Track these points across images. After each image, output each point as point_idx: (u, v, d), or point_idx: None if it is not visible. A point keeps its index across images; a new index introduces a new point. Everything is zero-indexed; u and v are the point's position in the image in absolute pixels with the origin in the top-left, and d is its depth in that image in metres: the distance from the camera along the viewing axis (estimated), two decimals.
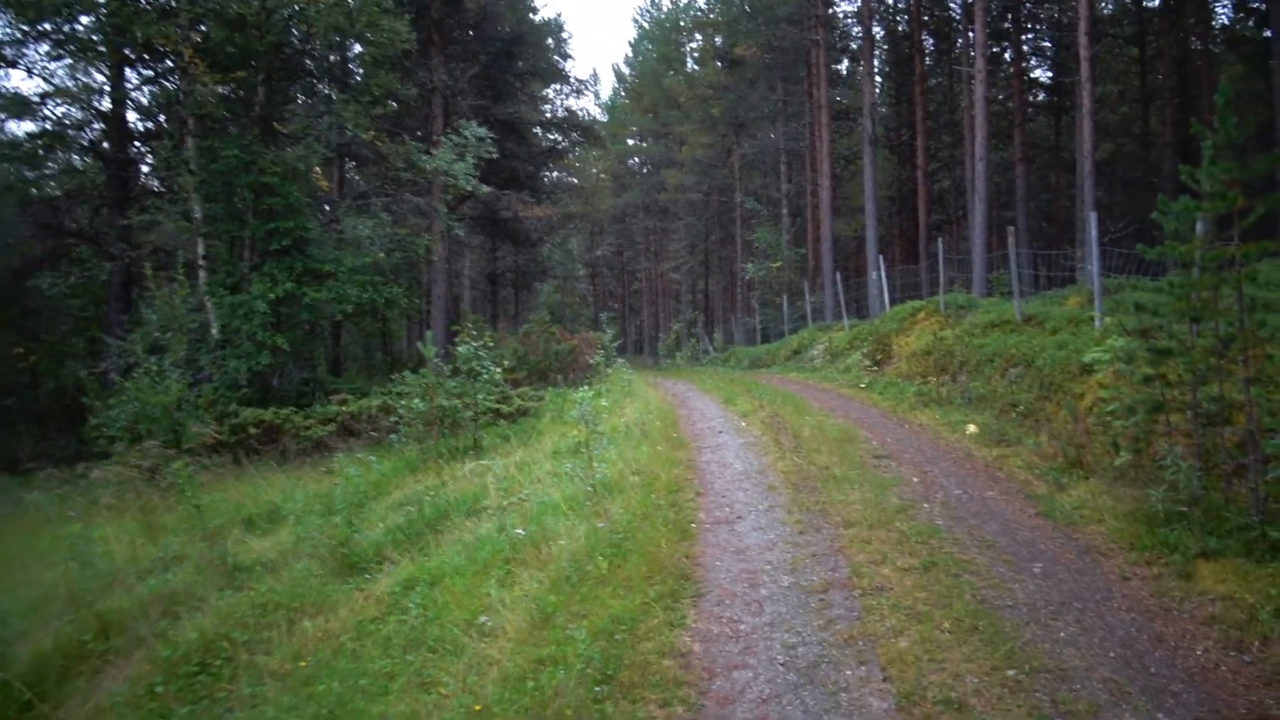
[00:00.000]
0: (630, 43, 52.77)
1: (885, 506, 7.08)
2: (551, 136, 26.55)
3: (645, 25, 52.14)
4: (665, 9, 50.33)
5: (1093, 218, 11.67)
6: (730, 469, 8.88)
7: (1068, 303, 15.56)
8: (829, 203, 25.49)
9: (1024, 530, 6.50)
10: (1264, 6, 25.17)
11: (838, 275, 23.03)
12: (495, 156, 16.95)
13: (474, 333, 14.68)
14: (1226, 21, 31.59)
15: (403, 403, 10.71)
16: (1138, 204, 27.10)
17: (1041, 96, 33.36)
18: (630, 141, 54.61)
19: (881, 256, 20.67)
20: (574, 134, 28.65)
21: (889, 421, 11.15)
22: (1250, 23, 29.21)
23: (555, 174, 43.07)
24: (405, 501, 9.04)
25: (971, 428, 10.09)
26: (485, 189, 16.59)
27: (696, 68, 42.54)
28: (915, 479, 8.02)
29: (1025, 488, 7.62)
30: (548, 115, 26.82)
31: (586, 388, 13.87)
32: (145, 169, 19.67)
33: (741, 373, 23.64)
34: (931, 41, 33.59)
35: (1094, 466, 7.86)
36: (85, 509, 9.70)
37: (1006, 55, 31.18)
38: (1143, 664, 4.34)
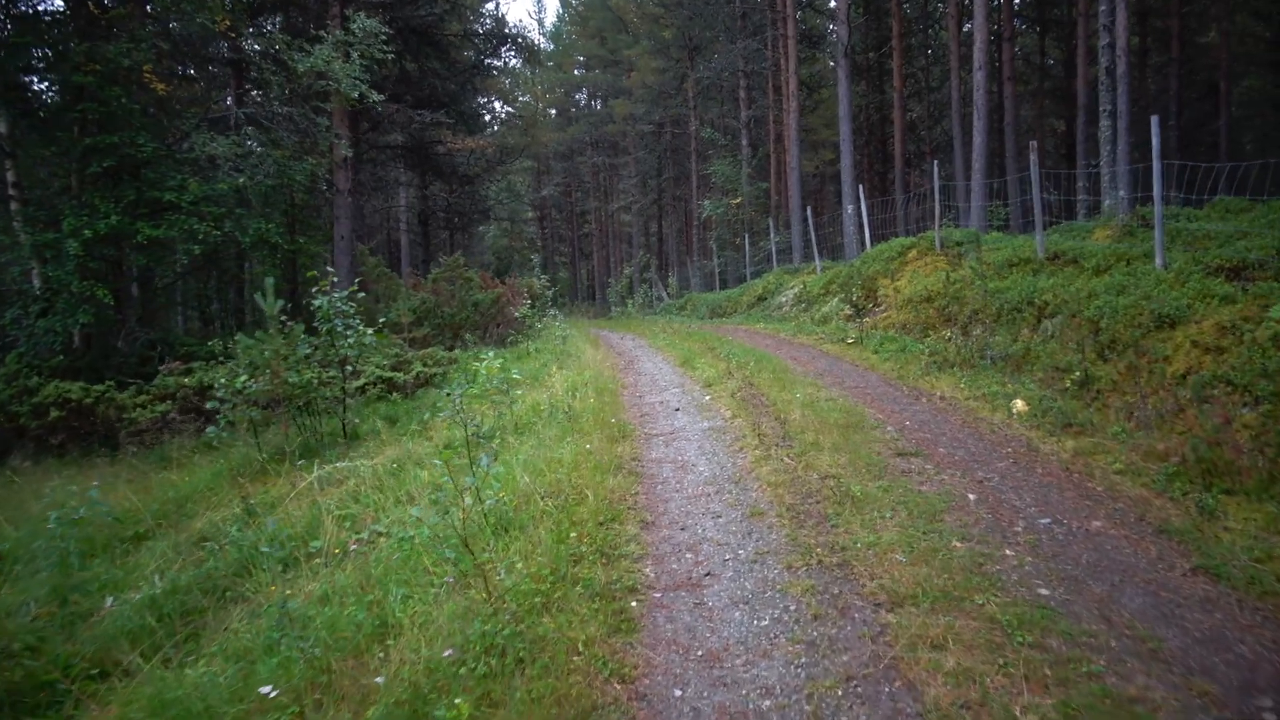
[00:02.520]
0: None
1: (945, 557, 4.34)
2: (477, 51, 22.96)
3: None
4: None
5: (1155, 121, 8.89)
6: (692, 476, 6.07)
7: (1094, 236, 12.93)
8: (796, 127, 22.48)
9: (1191, 607, 3.80)
10: None
11: (808, 210, 20.18)
12: (390, 57, 13.63)
13: (373, 279, 11.70)
14: None
15: (222, 380, 7.68)
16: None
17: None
18: (578, 72, 50.67)
19: (862, 186, 17.80)
20: (505, 49, 25.10)
21: (900, 394, 8.41)
22: None
23: (493, 102, 39.38)
24: (207, 535, 6.09)
25: (1019, 404, 7.38)
26: (376, 96, 13.26)
27: None
28: (971, 496, 5.28)
29: (1147, 513, 4.91)
30: (474, 26, 23.20)
31: (503, 349, 10.94)
32: None
33: (700, 323, 20.82)
34: None
35: (1243, 473, 5.19)
36: None
37: None
38: None
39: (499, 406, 7.51)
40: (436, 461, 7.03)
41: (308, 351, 7.81)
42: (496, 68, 28.50)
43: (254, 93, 14.52)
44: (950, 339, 10.50)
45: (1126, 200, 11.95)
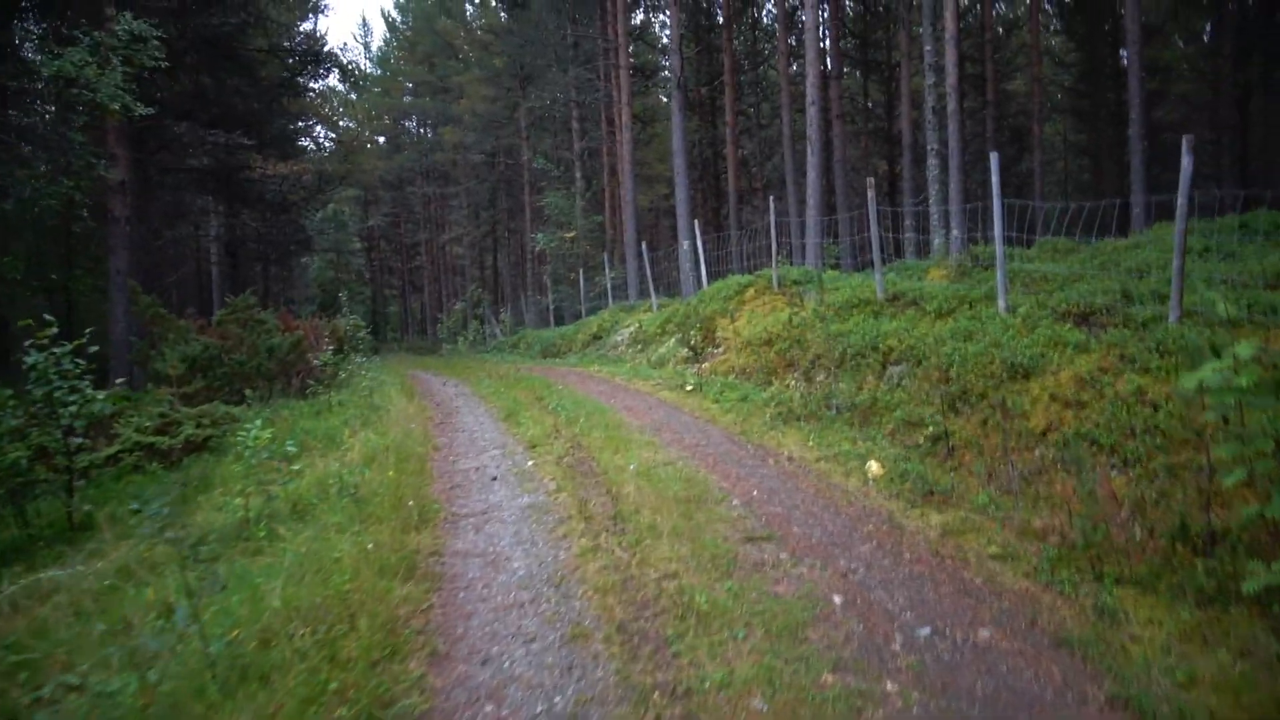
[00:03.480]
0: None
1: (816, 700, 3.40)
2: (287, 70, 20.92)
3: None
4: None
5: (995, 158, 8.60)
6: (503, 577, 4.91)
7: (929, 275, 12.77)
8: (630, 160, 21.86)
9: None
10: None
11: (643, 245, 19.50)
12: (162, 64, 11.73)
13: (147, 320, 9.96)
14: None
15: None
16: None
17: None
18: (406, 99, 48.65)
19: (697, 221, 17.25)
20: (323, 69, 23.13)
21: (745, 453, 7.55)
22: None
23: (313, 126, 36.97)
24: None
25: (874, 466, 6.66)
26: (142, 109, 11.32)
27: (475, 10, 37.77)
28: (837, 598, 4.39)
29: (1038, 615, 4.16)
30: (281, 42, 21.11)
31: (305, 401, 9.61)
32: None
33: (532, 363, 19.64)
34: None
35: (1132, 555, 4.56)
36: None
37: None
38: None
39: (273, 484, 6.09)
40: (169, 579, 5.60)
41: (15, 423, 6.10)
42: (312, 89, 26.44)
43: None
44: (793, 387, 9.84)
45: (960, 239, 11.81)
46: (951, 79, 12.27)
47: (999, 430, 6.75)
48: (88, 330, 6.82)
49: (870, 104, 31.38)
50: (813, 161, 15.31)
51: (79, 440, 6.13)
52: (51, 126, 10.89)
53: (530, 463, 7.50)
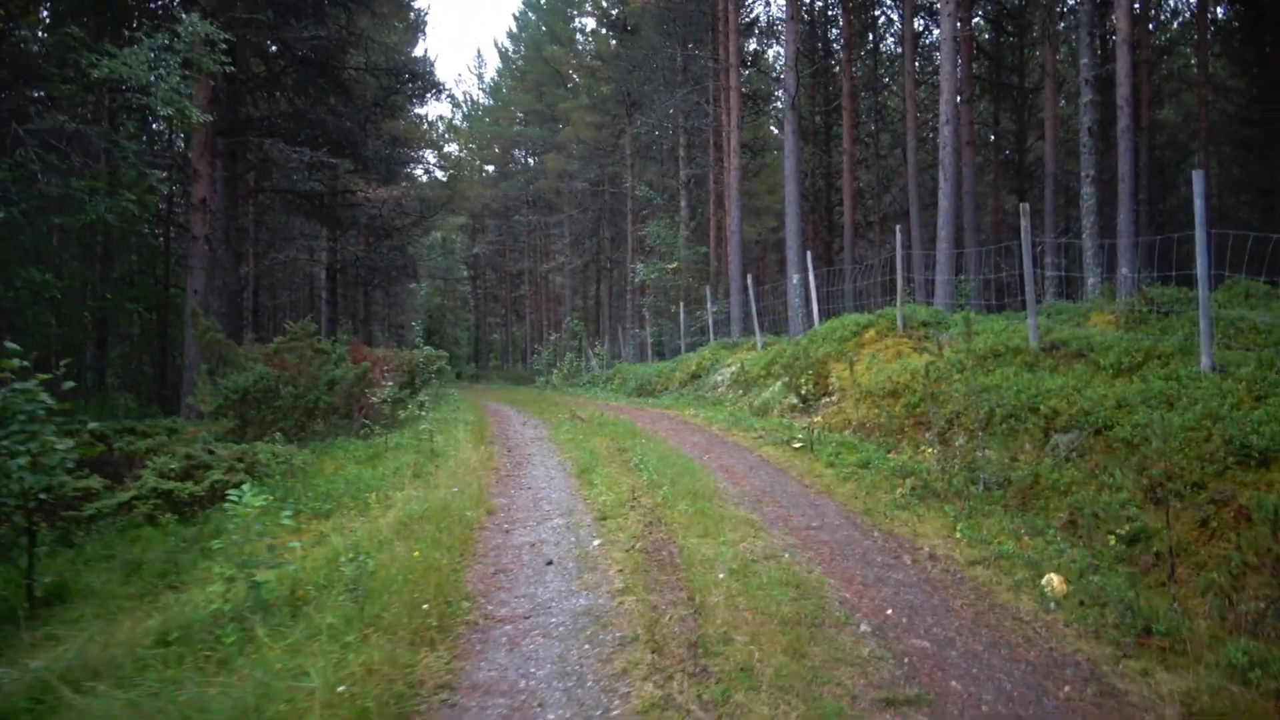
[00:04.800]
0: (515, 14, 46.81)
1: None
2: (382, 89, 20.29)
3: None
4: None
5: (1199, 178, 6.74)
6: None
7: (1090, 322, 10.77)
8: (738, 187, 20.37)
9: None
10: None
11: (748, 279, 17.95)
12: (228, 69, 10.96)
13: (204, 345, 9.16)
14: None
15: None
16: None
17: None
18: (516, 127, 48.61)
19: (811, 254, 15.60)
20: (429, 94, 22.56)
21: (870, 543, 5.87)
22: None
23: (421, 153, 36.98)
24: None
25: (1054, 581, 4.90)
26: (200, 117, 10.45)
27: (584, 37, 37.23)
28: None
29: None
30: (377, 59, 20.51)
31: (365, 441, 8.52)
32: None
33: (624, 401, 18.27)
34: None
35: None
36: None
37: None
38: None
39: (260, 567, 4.78)
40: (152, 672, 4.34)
41: None
42: (414, 114, 26.07)
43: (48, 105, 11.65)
44: (929, 452, 8.08)
45: (1130, 279, 9.83)
46: (1124, 90, 10.32)
47: (1232, 537, 4.92)
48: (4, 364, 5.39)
49: (997, 132, 29.04)
50: (945, 189, 13.47)
51: (41, 498, 4.97)
52: (101, 134, 10.21)
53: (596, 541, 6.01)
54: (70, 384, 5.33)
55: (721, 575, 5.03)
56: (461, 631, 4.47)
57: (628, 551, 5.63)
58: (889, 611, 4.59)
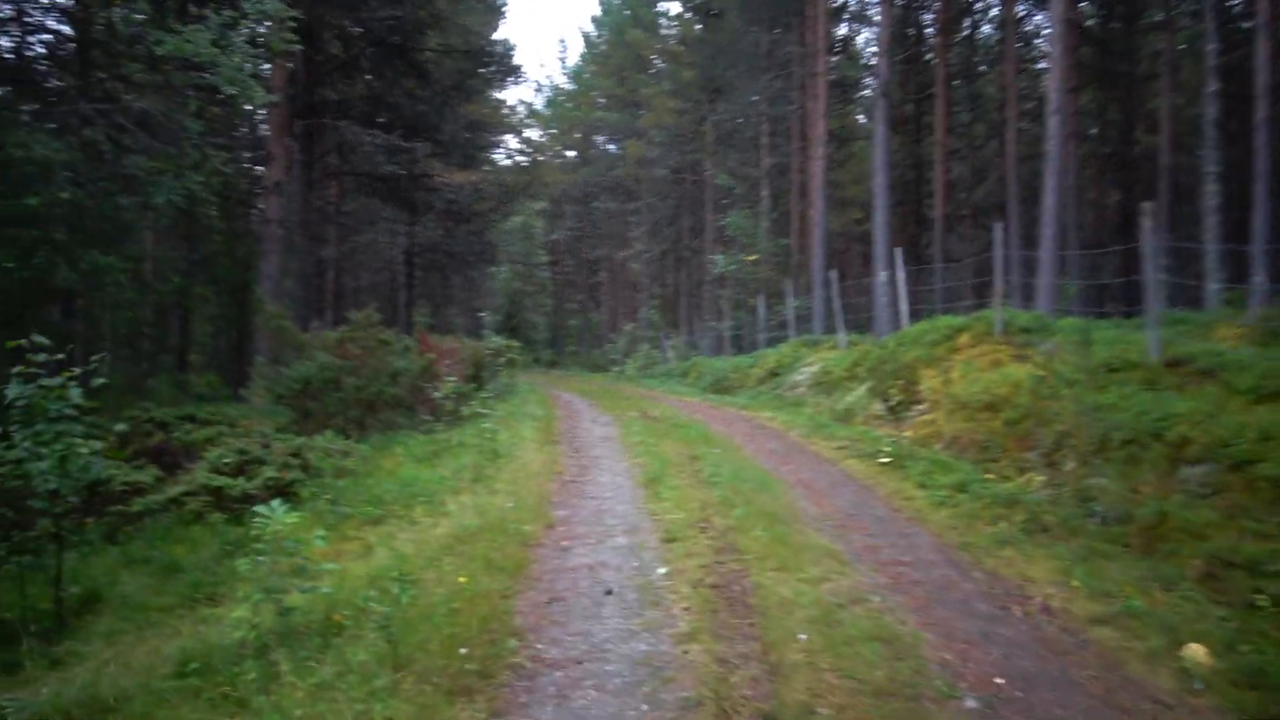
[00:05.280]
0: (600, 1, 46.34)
1: None
2: (460, 74, 20.00)
3: None
4: None
5: None
6: None
7: (1217, 335, 9.75)
8: (823, 178, 19.54)
9: None
10: None
11: (832, 274, 17.14)
12: (297, 48, 10.75)
13: (269, 332, 8.93)
14: None
15: None
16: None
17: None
18: (597, 113, 48.22)
19: (900, 250, 14.73)
20: (510, 79, 22.28)
21: (972, 587, 5.20)
22: None
23: (498, 138, 36.87)
24: None
25: (1198, 652, 4.17)
26: (263, 95, 10.26)
27: (668, 21, 36.54)
28: None
29: None
30: (455, 42, 20.17)
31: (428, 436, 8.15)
32: None
33: (699, 397, 17.69)
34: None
35: None
36: None
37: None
38: None
39: (288, 592, 4.39)
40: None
41: None
42: (493, 96, 25.83)
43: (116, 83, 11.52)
44: (1034, 478, 7.31)
45: (1264, 288, 8.82)
46: (1263, 78, 9.22)
47: None
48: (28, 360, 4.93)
49: (1103, 124, 27.34)
50: (1051, 183, 12.45)
51: (72, 500, 4.67)
52: (165, 112, 10.06)
53: (661, 570, 5.47)
54: (100, 381, 5.03)
55: (800, 624, 4.44)
56: (505, 678, 3.98)
57: (695, 587, 5.07)
58: (999, 681, 3.94)
